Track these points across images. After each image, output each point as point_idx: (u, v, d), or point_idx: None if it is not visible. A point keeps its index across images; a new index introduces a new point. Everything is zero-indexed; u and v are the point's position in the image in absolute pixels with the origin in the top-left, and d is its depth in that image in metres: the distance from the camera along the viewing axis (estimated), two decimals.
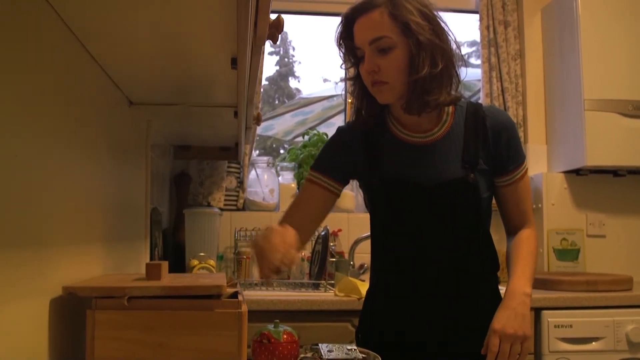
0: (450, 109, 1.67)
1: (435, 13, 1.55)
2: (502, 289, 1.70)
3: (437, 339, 1.66)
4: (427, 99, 1.53)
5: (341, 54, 1.65)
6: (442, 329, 1.66)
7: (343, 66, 1.69)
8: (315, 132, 3.36)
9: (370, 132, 1.70)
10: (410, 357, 1.68)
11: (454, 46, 1.56)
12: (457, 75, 1.60)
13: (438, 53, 1.50)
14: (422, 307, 1.67)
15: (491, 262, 1.72)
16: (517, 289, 1.58)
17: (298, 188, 3.22)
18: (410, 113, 1.58)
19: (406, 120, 1.65)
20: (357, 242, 3.04)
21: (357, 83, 1.67)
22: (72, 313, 1.24)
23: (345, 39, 1.61)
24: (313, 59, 4.05)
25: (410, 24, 1.49)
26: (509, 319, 1.52)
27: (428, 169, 1.62)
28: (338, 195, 1.74)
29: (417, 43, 1.49)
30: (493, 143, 1.63)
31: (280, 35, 1.30)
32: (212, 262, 2.59)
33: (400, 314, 1.70)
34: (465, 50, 4.49)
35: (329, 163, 1.73)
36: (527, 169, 1.70)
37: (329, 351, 1.46)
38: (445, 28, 1.55)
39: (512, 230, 1.75)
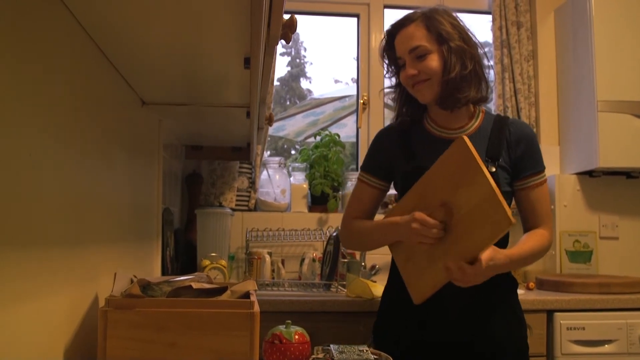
0: (480, 113, 1.86)
1: (462, 23, 1.80)
2: (519, 292, 1.73)
3: (453, 336, 1.67)
4: (458, 96, 1.76)
5: (385, 65, 1.90)
6: (458, 324, 1.67)
7: (387, 75, 1.93)
8: (326, 132, 3.35)
9: (407, 130, 1.90)
10: (427, 355, 1.69)
11: (480, 52, 1.80)
12: (485, 78, 1.82)
13: (467, 57, 1.74)
14: (437, 303, 1.68)
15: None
16: (507, 260, 1.64)
17: (309, 188, 3.22)
18: (445, 108, 1.81)
19: (440, 119, 1.87)
20: None
21: (398, 90, 1.91)
22: (85, 311, 1.24)
23: (388, 50, 1.87)
24: (324, 60, 4.03)
25: (442, 33, 1.75)
26: (497, 267, 1.59)
27: None
28: (383, 191, 1.97)
29: (448, 49, 1.73)
30: (513, 148, 1.80)
31: (292, 36, 1.30)
32: (223, 262, 2.59)
33: (415, 311, 1.72)
34: None
35: (371, 162, 1.97)
36: (544, 180, 1.83)
37: (341, 352, 1.46)
38: (472, 36, 1.80)
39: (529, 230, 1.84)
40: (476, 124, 1.85)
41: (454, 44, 1.74)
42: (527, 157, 1.81)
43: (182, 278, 1.35)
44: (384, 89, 2.00)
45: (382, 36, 1.90)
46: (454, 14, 1.81)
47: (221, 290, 1.31)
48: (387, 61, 1.90)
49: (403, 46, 1.79)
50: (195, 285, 1.28)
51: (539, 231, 1.80)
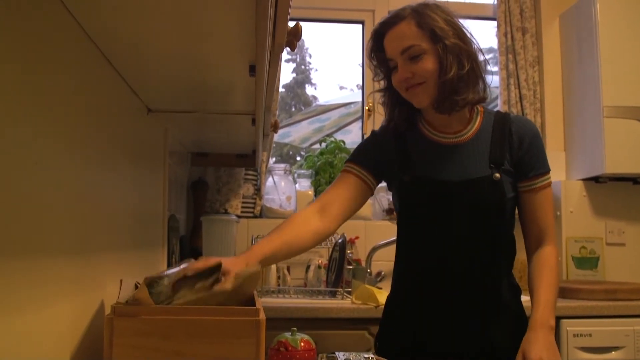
0: (479, 114, 1.76)
1: (457, 20, 1.66)
2: (524, 298, 1.71)
3: (457, 346, 1.66)
4: (456, 98, 1.63)
5: (372, 67, 1.77)
6: (462, 334, 1.66)
7: (375, 78, 1.79)
8: (332, 139, 3.36)
9: (402, 135, 1.78)
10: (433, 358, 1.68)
11: (476, 48, 1.67)
12: (483, 78, 1.69)
13: (464, 55, 1.62)
14: (441, 314, 1.68)
15: (502, 260, 1.73)
16: (543, 321, 1.59)
17: (315, 195, 3.22)
18: (442, 112, 1.67)
19: (437, 122, 1.74)
20: (374, 250, 3.03)
21: (388, 93, 1.78)
22: (91, 319, 1.24)
23: (377, 51, 1.72)
24: (330, 66, 4.04)
25: (436, 30, 1.61)
26: (544, 349, 1.53)
27: (455, 167, 1.69)
28: (370, 187, 1.77)
29: (443, 47, 1.60)
30: (517, 147, 1.70)
31: (297, 43, 1.30)
32: None
33: (419, 321, 1.71)
34: None
35: (362, 155, 1.80)
36: (548, 183, 1.72)
37: (346, 359, 1.46)
38: (468, 33, 1.66)
39: (531, 242, 1.75)
40: (475, 125, 1.73)
41: (449, 42, 1.60)
42: (530, 156, 1.70)
43: (173, 270, 1.32)
44: (373, 92, 1.90)
45: (367, 46, 1.76)
46: (447, 9, 1.68)
47: (215, 268, 1.29)
48: (375, 63, 1.75)
49: (394, 46, 1.65)
50: (189, 273, 1.26)
51: (545, 256, 1.70)
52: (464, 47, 1.63)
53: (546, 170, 1.72)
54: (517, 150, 1.69)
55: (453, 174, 1.68)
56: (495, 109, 1.84)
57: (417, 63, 1.62)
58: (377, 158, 1.79)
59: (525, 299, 1.72)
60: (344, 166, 1.80)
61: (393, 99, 1.77)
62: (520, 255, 1.77)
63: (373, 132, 1.86)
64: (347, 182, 1.76)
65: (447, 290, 1.68)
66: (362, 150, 1.83)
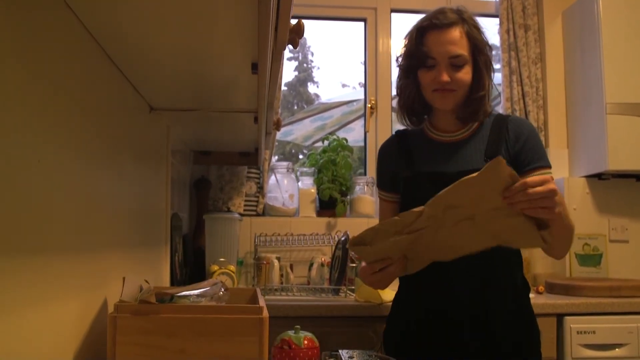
0: None
1: (482, 28, 1.75)
2: (532, 296, 1.71)
3: (464, 343, 1.67)
4: (481, 110, 1.76)
5: (404, 56, 1.80)
6: (469, 331, 1.66)
7: (401, 67, 1.84)
8: (334, 137, 3.35)
9: (405, 136, 1.88)
10: (438, 355, 1.68)
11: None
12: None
13: (490, 69, 1.73)
14: (443, 310, 1.68)
15: (513, 255, 1.72)
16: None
17: (318, 193, 3.22)
18: (463, 120, 1.78)
19: (441, 123, 1.84)
20: None
21: (412, 84, 1.81)
22: (94, 317, 1.24)
23: (418, 44, 1.75)
24: (332, 65, 4.04)
25: (478, 43, 1.70)
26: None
27: (452, 161, 1.75)
28: (399, 203, 1.88)
29: (484, 62, 1.70)
30: (513, 143, 1.74)
31: (299, 41, 1.30)
32: (232, 267, 2.59)
33: (422, 318, 1.72)
34: None
35: (380, 179, 1.96)
36: (549, 177, 1.68)
37: (350, 357, 1.46)
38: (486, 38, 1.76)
39: None
40: (475, 125, 1.80)
41: (486, 57, 1.72)
42: (526, 152, 1.72)
43: (195, 292, 1.32)
44: (400, 81, 1.86)
45: (406, 35, 1.81)
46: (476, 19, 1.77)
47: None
48: (411, 54, 1.77)
49: (442, 49, 1.69)
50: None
51: None
52: (490, 59, 1.73)
53: (544, 164, 1.72)
54: (514, 146, 1.73)
55: (449, 168, 1.73)
56: (498, 107, 1.88)
57: (458, 72, 1.70)
58: (389, 173, 1.89)
59: (530, 295, 1.72)
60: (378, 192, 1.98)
61: (416, 90, 1.81)
62: (523, 252, 1.77)
63: (380, 148, 1.97)
64: (385, 210, 1.92)
65: (447, 286, 1.68)
66: (379, 174, 1.97)
